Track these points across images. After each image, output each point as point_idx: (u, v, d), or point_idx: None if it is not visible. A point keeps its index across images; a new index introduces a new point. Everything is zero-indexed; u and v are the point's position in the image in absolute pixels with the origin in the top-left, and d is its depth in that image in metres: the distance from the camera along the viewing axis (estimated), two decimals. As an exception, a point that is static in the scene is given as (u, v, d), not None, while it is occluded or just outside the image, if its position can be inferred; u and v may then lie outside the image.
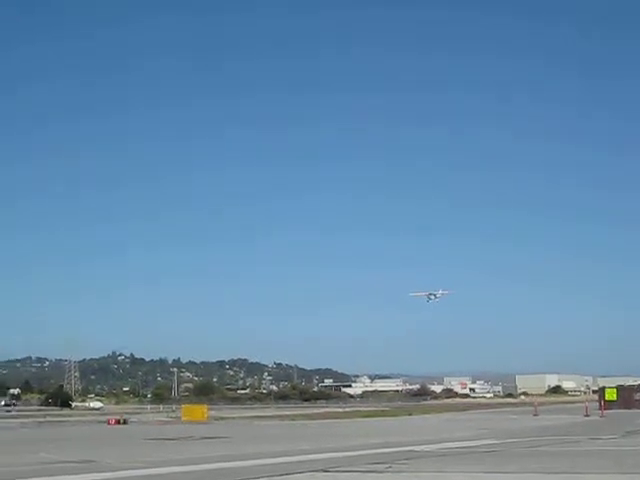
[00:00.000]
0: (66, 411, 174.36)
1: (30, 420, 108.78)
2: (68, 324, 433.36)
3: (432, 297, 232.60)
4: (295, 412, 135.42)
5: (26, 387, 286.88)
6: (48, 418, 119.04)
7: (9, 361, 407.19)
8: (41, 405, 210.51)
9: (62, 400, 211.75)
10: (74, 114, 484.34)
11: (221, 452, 44.74)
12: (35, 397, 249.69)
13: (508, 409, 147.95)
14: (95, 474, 30.41)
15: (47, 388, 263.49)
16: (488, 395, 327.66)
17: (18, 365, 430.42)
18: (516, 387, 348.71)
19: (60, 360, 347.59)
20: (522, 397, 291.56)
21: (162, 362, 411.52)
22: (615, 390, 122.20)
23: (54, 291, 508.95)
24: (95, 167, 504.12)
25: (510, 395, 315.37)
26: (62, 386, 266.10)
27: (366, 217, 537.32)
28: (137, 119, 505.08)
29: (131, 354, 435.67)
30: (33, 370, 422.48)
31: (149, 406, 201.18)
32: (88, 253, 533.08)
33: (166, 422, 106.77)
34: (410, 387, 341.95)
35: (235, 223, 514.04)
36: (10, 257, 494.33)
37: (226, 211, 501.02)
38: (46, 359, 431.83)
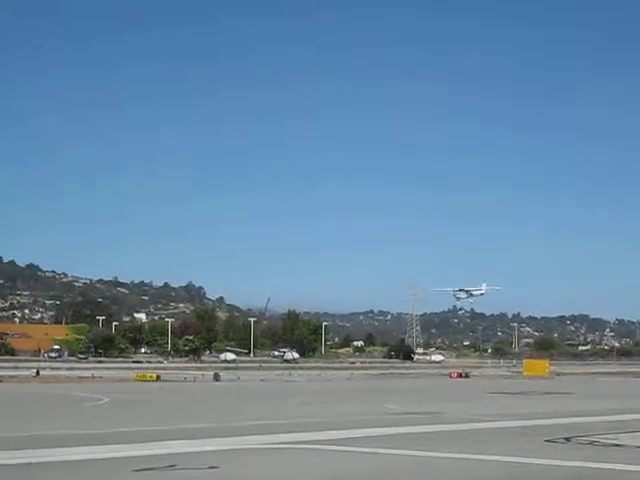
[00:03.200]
0: (408, 363, 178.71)
1: (375, 372, 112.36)
2: (408, 279, 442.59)
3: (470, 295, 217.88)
4: (638, 369, 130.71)
5: (369, 339, 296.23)
6: (391, 370, 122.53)
7: (353, 314, 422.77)
8: (384, 357, 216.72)
9: (404, 353, 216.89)
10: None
11: (566, 407, 44.07)
12: (378, 349, 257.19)
13: None
14: (441, 425, 30.97)
15: (389, 341, 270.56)
16: None
17: (361, 318, 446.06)
18: None
19: (401, 314, 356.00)
20: None
21: (502, 317, 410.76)
22: None
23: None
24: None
25: None
26: (403, 339, 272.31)
27: None
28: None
29: (471, 309, 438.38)
30: (375, 323, 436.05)
31: (489, 360, 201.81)
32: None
33: (507, 376, 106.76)
34: None
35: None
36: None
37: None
38: (388, 312, 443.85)
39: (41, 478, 17.42)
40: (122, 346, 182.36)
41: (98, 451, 21.96)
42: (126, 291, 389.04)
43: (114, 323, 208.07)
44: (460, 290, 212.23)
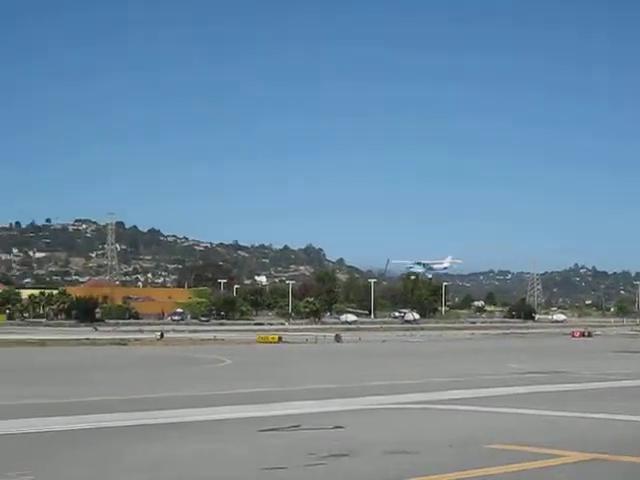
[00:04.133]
0: (529, 323, 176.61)
1: (496, 332, 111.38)
2: (529, 239, 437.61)
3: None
4: None
5: (489, 299, 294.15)
6: (512, 330, 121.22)
7: (473, 274, 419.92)
8: (504, 317, 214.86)
9: (525, 312, 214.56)
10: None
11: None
12: (498, 309, 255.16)
13: None
14: (567, 385, 30.34)
15: (510, 301, 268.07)
16: None
17: (481, 278, 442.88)
18: None
19: (522, 273, 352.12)
20: None
21: (625, 275, 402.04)
22: None
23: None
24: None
25: None
26: (524, 299, 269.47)
27: None
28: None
29: (593, 267, 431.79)
30: (496, 283, 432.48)
31: (612, 319, 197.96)
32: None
33: (630, 335, 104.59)
34: None
35: None
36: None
37: None
38: (508, 272, 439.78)
39: (167, 438, 17.60)
40: (243, 309, 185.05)
41: (223, 412, 22.15)
42: (246, 254, 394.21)
43: (235, 286, 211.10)
44: (417, 264, 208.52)
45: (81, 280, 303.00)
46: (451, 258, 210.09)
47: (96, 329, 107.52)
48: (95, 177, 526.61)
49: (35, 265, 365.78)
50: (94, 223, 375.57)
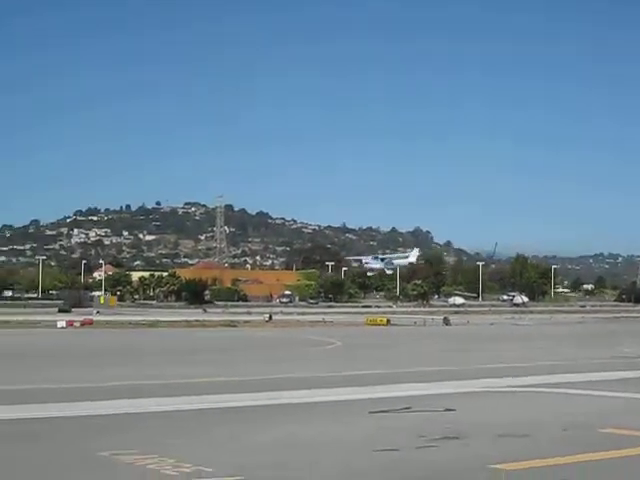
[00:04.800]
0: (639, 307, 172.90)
1: (606, 316, 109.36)
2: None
3: None
4: None
5: (599, 283, 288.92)
6: (623, 314, 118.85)
7: (582, 257, 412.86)
8: (615, 301, 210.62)
9: (636, 296, 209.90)
10: None
11: None
12: (608, 293, 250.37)
13: None
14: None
15: (620, 284, 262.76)
16: None
17: (591, 261, 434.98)
18: None
19: (633, 256, 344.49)
20: None
21: None
22: None
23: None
24: None
25: None
26: (635, 282, 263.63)
27: None
28: None
29: None
30: (606, 266, 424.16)
31: None
32: None
33: None
34: None
35: None
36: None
37: None
38: (619, 255, 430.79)
39: (279, 419, 17.99)
40: (351, 291, 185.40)
41: (333, 393, 22.49)
42: (354, 237, 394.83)
43: (343, 269, 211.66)
44: (375, 258, 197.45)
45: (190, 262, 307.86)
46: (418, 251, 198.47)
47: (205, 311, 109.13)
48: (203, 161, 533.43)
49: (145, 248, 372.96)
50: (203, 206, 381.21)
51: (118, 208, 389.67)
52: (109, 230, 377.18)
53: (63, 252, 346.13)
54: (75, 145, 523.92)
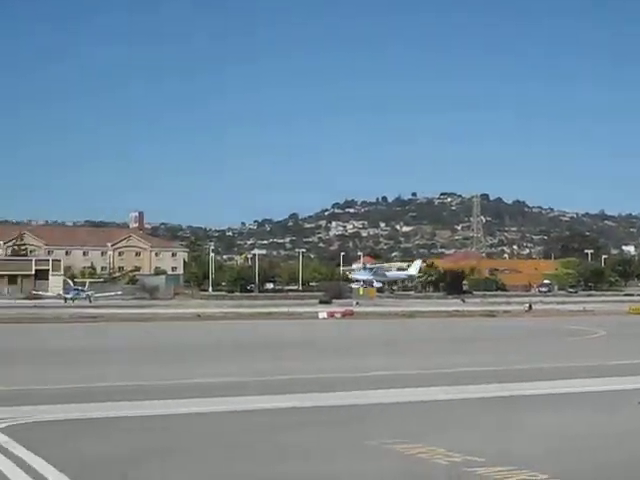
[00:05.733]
0: None
1: None
2: None
3: None
4: None
5: None
6: None
7: None
8: None
9: None
10: None
11: None
12: None
13: None
14: None
15: None
16: None
17: None
18: None
19: None
20: None
21: None
22: None
23: None
24: None
25: None
26: None
27: None
28: None
29: None
30: None
31: None
32: None
33: None
34: None
35: None
36: None
37: None
38: None
39: (546, 408, 17.87)
40: (612, 279, 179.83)
41: (602, 383, 22.16)
42: (613, 224, 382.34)
43: (603, 256, 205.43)
44: (364, 268, 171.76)
45: (447, 253, 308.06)
46: (420, 263, 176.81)
47: (464, 301, 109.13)
48: (457, 151, 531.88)
49: (402, 239, 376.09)
50: (459, 196, 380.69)
51: (374, 200, 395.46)
52: (366, 222, 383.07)
53: (322, 245, 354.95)
54: (331, 142, 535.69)
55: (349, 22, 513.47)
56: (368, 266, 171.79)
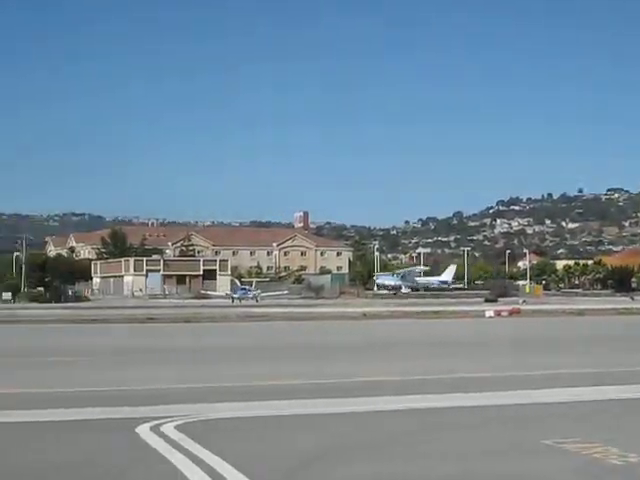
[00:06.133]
0: None
1: None
2: None
3: None
4: None
5: None
6: None
7: None
8: None
9: None
10: None
11: None
12: None
13: None
14: None
15: None
16: None
17: None
18: None
19: None
20: None
21: None
22: None
23: None
24: None
25: None
26: None
27: None
28: None
29: None
30: None
31: None
32: None
33: None
34: None
35: None
36: None
37: None
38: None
39: None
40: None
41: None
42: None
43: None
44: (393, 274, 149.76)
45: (614, 249, 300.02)
46: (454, 268, 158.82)
47: (632, 298, 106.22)
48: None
49: (568, 236, 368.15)
50: (626, 192, 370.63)
51: (540, 197, 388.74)
52: (531, 219, 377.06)
53: (487, 242, 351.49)
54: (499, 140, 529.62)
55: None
56: (399, 272, 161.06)
